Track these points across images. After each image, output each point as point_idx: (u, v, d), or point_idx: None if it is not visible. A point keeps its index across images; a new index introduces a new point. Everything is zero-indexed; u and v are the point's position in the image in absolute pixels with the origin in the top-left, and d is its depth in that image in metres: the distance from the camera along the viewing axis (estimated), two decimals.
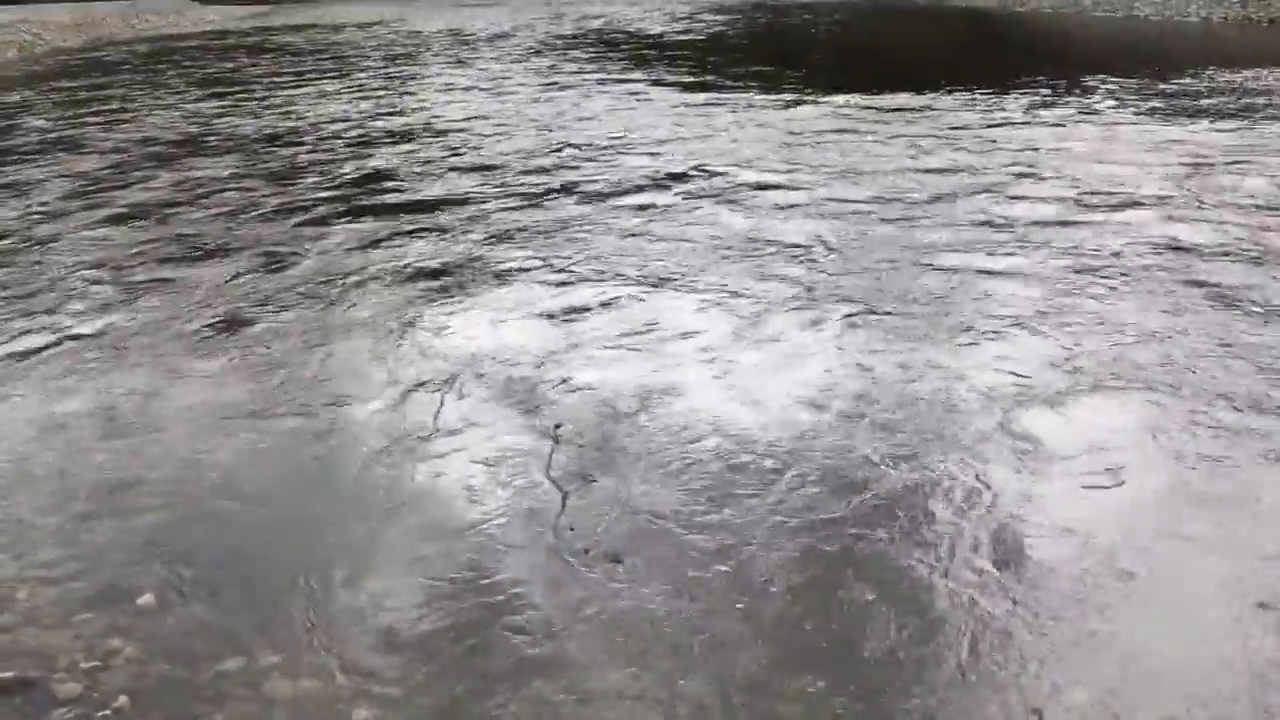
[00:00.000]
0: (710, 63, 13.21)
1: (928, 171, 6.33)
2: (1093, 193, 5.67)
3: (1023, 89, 9.38)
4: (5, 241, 5.71)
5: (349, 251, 5.23)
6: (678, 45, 15.62)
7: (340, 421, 3.33)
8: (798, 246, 4.91)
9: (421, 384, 3.55)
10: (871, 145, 7.21)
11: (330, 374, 3.71)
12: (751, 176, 6.41)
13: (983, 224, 5.16)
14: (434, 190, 6.55)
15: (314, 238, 5.52)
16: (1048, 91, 9.20)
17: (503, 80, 12.29)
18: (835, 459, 2.89)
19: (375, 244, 5.35)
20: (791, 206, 5.66)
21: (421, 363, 3.75)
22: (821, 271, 4.53)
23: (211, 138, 9.03)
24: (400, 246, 5.28)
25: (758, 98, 9.70)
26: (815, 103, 9.19)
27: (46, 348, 4.08)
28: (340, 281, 4.74)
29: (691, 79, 11.44)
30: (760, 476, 2.82)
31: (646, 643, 2.19)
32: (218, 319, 4.32)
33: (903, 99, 9.08)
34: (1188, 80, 9.56)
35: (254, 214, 6.10)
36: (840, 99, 9.26)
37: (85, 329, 4.27)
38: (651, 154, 7.31)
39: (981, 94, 9.18)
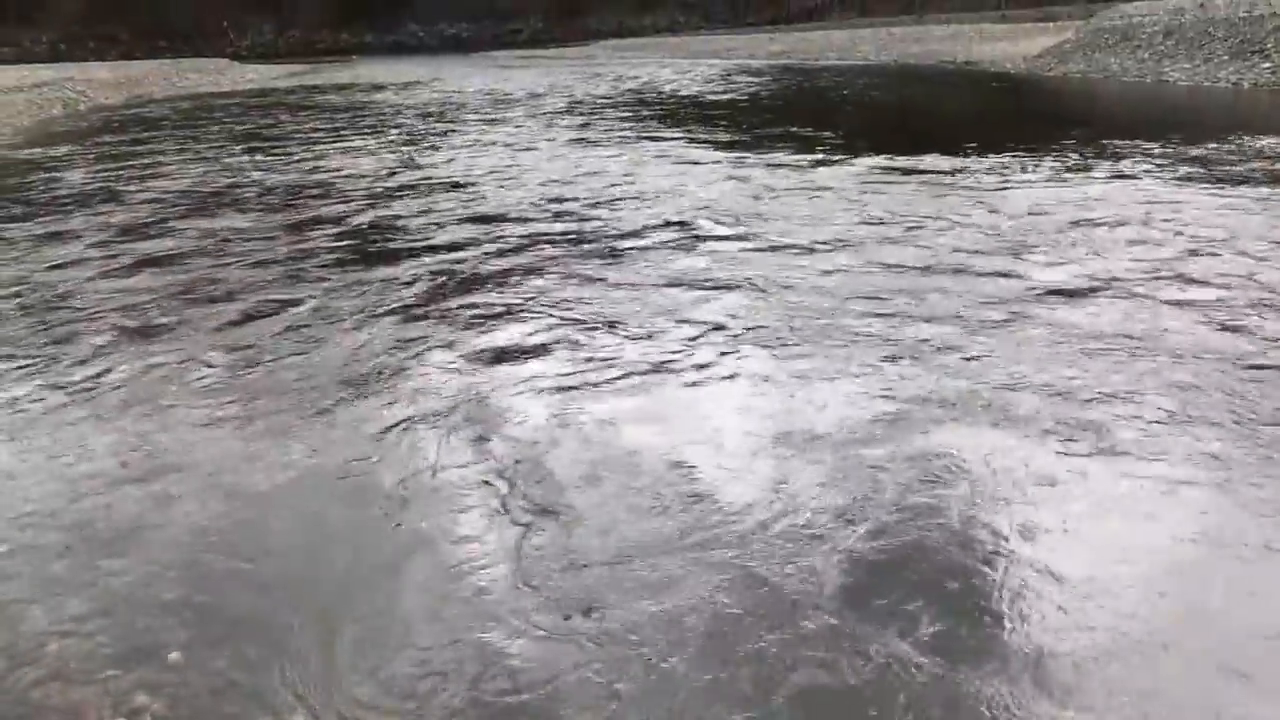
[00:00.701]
0: (737, 122, 13.31)
1: (911, 236, 6.28)
2: (1113, 264, 5.60)
3: (1053, 153, 9.34)
4: (23, 288, 5.86)
5: (342, 295, 5.45)
6: (708, 105, 15.77)
7: (341, 463, 3.31)
8: (749, 291, 5.04)
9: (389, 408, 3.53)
10: (883, 202, 7.19)
11: (321, 412, 3.71)
12: (724, 230, 6.56)
13: (994, 288, 5.10)
14: (435, 238, 6.84)
15: (314, 281, 5.78)
16: (1077, 156, 9.16)
17: (526, 138, 12.44)
18: None
19: (369, 286, 5.58)
20: (750, 254, 5.79)
21: (388, 391, 3.74)
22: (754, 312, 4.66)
23: (239, 190, 9.30)
24: (387, 290, 5.53)
25: (779, 156, 9.72)
26: (840, 163, 9.20)
27: (63, 391, 4.11)
28: (331, 323, 4.95)
29: (715, 138, 11.51)
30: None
31: None
32: (224, 360, 4.42)
33: (928, 161, 9.06)
34: (1219, 146, 9.50)
35: (264, 260, 6.35)
36: (867, 160, 9.27)
37: (104, 373, 4.30)
38: (646, 207, 7.47)
39: (1010, 157, 9.14)
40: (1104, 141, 9.83)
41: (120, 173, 10.91)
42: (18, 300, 5.63)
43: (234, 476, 3.31)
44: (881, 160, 9.27)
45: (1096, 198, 7.17)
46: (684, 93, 18.41)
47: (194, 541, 2.93)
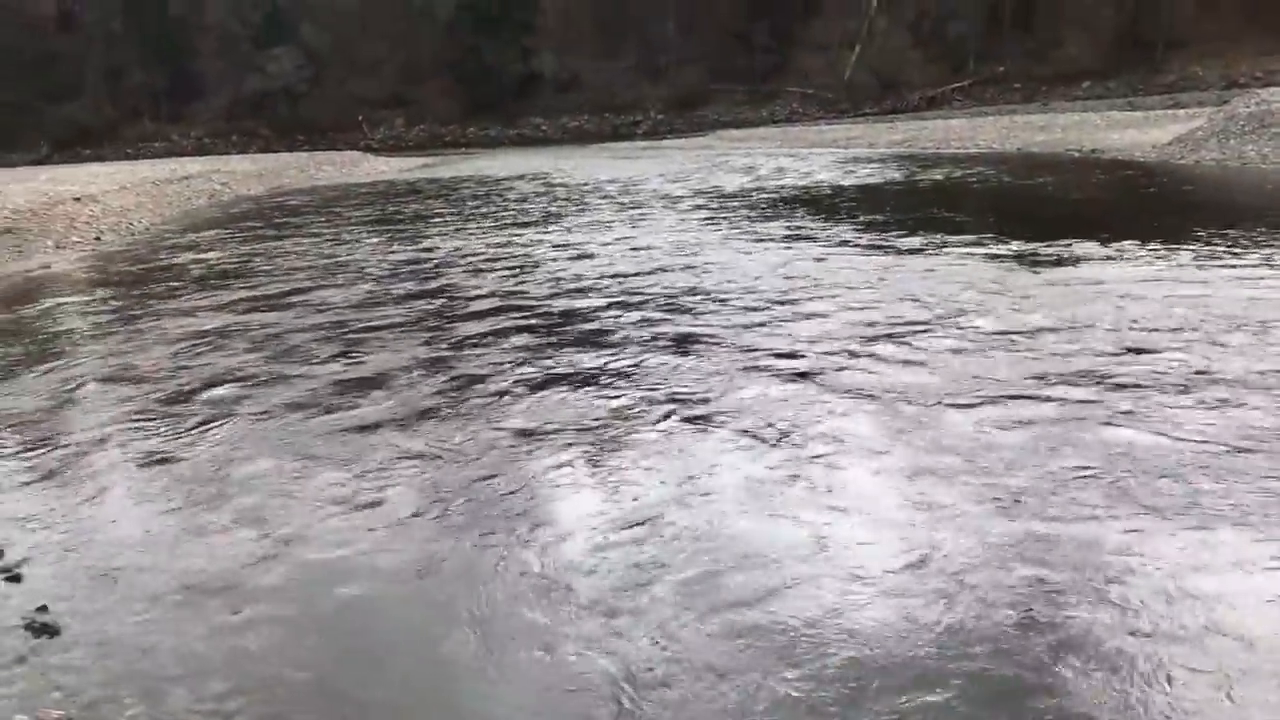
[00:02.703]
0: (865, 210, 13.22)
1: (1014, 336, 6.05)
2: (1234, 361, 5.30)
3: (1191, 243, 8.99)
4: (161, 353, 6.22)
5: (420, 349, 6.02)
6: (834, 193, 15.72)
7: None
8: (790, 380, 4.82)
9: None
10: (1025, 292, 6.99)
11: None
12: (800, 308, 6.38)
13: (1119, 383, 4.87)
14: (510, 305, 7.69)
15: (393, 340, 6.74)
16: (1220, 244, 8.80)
17: (626, 225, 12.60)
18: None
19: (445, 344, 6.02)
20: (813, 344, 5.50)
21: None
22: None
23: (353, 269, 10.08)
24: (458, 351, 6.00)
25: (912, 242, 9.57)
26: (960, 252, 9.02)
27: (196, 430, 4.23)
28: (399, 377, 5.67)
29: (845, 225, 11.42)
30: None
31: None
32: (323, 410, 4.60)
33: (1074, 250, 8.81)
34: None
35: (363, 324, 7.21)
36: (1004, 248, 9.07)
37: (238, 412, 4.41)
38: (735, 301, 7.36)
39: (1150, 249, 8.82)
40: (1252, 232, 9.43)
41: (255, 254, 11.53)
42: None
43: None
44: (1016, 248, 9.06)
45: (1257, 297, 6.74)
46: (806, 181, 18.43)
47: None
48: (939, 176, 18.31)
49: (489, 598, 3.04)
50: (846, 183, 17.83)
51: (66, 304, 9.06)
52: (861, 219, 12.23)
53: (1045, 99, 47.90)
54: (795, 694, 2.48)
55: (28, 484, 4.24)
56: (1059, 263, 8.17)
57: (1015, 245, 9.16)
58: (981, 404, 4.55)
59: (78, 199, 17.42)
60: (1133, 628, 2.68)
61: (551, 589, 3.07)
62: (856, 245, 9.73)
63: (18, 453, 4.68)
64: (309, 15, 57.43)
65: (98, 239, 14.14)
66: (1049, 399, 4.57)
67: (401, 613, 3.03)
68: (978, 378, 4.95)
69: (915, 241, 9.76)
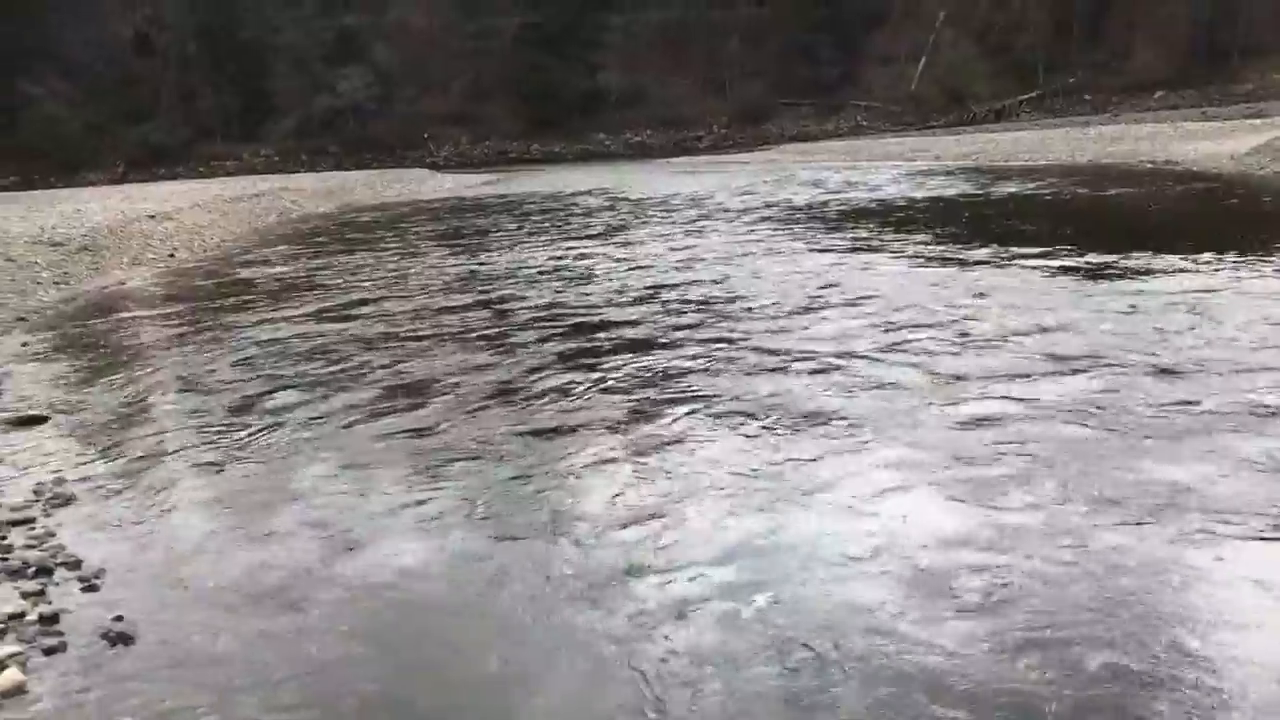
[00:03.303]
0: (940, 223, 13.05)
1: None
2: None
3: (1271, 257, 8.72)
4: (230, 362, 6.28)
5: (477, 355, 6.08)
6: (906, 207, 15.56)
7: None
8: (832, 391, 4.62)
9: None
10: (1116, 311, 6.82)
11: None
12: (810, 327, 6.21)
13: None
14: (564, 315, 7.85)
15: (443, 340, 6.99)
16: None
17: (683, 237, 12.60)
18: None
19: (503, 351, 5.77)
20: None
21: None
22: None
23: (417, 282, 10.32)
24: (514, 357, 5.92)
25: (990, 253, 9.42)
26: (1045, 265, 8.84)
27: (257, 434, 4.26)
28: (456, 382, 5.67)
29: (921, 239, 11.28)
30: None
31: None
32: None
33: (1126, 264, 8.60)
34: None
35: (424, 333, 7.47)
36: (1069, 262, 8.89)
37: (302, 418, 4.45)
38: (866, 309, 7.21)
39: (1230, 261, 8.57)
40: None
41: (328, 266, 11.91)
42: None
43: None
44: (1093, 260, 8.87)
45: None
46: (873, 195, 18.25)
47: None
48: (1011, 189, 18.02)
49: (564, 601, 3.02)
50: (914, 195, 17.63)
51: (140, 317, 9.26)
52: (934, 232, 12.08)
53: (1116, 110, 46.98)
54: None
55: (104, 493, 4.31)
56: (1140, 274, 7.98)
57: (1092, 257, 8.97)
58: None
59: (152, 216, 17.81)
60: None
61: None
62: (935, 259, 9.60)
63: (93, 461, 4.76)
64: (379, 35, 58.35)
65: (171, 255, 14.44)
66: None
67: (468, 622, 3.02)
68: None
69: (984, 253, 9.61)
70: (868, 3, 57.82)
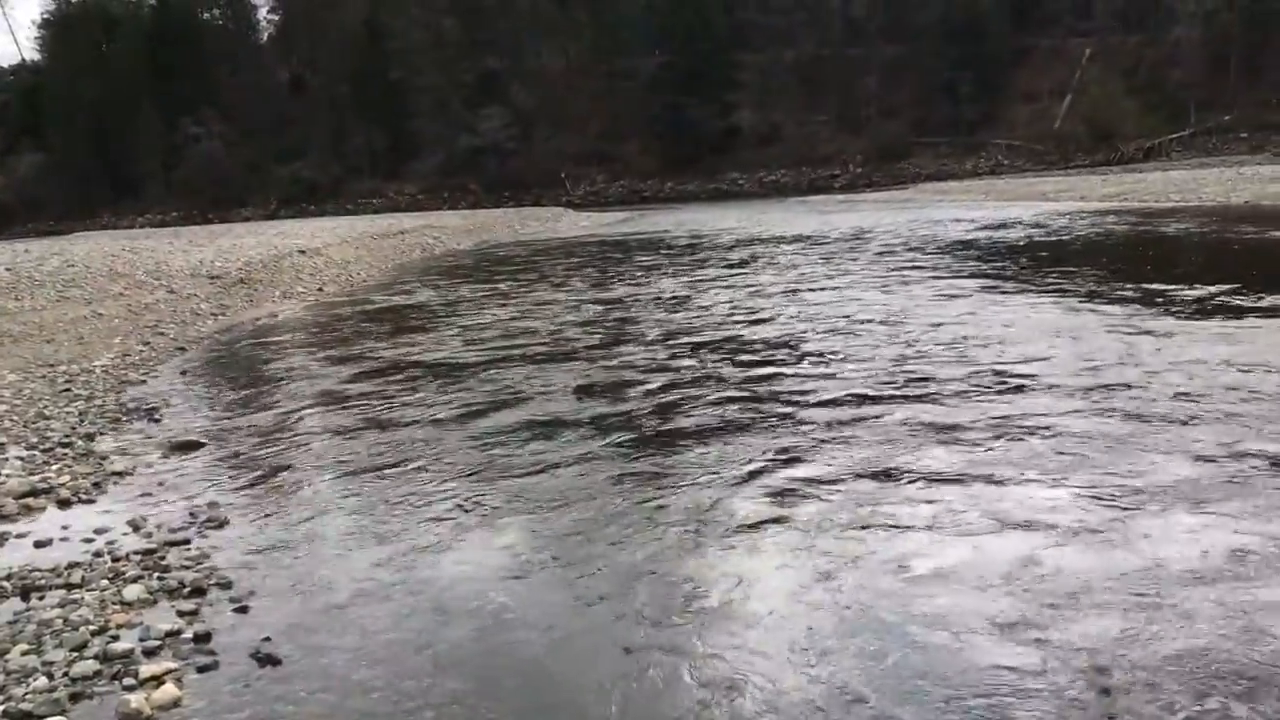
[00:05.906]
0: (1096, 268, 12.62)
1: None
2: None
3: None
4: (372, 386, 6.38)
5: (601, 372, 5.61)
6: (1055, 249, 15.08)
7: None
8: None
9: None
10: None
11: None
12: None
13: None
14: (662, 343, 7.80)
15: (529, 363, 6.59)
16: None
17: (798, 276, 12.54)
18: None
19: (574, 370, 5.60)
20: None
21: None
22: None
23: (548, 313, 10.56)
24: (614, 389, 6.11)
25: (1150, 310, 9.05)
26: (1215, 313, 8.45)
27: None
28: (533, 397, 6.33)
29: (1078, 287, 10.92)
30: None
31: None
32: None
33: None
34: None
35: (549, 354, 7.47)
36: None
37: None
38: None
39: None
40: None
41: (467, 298, 12.46)
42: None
43: None
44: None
45: None
46: (1017, 234, 17.75)
47: None
48: (1165, 230, 17.30)
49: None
50: (1055, 238, 17.08)
51: (290, 347, 9.66)
52: (1082, 273, 11.67)
53: (1276, 149, 44.81)
54: None
55: (255, 517, 4.46)
56: None
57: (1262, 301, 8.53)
58: None
59: (302, 252, 18.61)
60: None
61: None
62: (1086, 301, 9.27)
63: (246, 486, 4.95)
64: (518, 76, 59.89)
65: (320, 289, 15.02)
66: None
67: (604, 657, 3.00)
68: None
69: (1139, 299, 9.23)
70: (1011, 39, 56.69)
